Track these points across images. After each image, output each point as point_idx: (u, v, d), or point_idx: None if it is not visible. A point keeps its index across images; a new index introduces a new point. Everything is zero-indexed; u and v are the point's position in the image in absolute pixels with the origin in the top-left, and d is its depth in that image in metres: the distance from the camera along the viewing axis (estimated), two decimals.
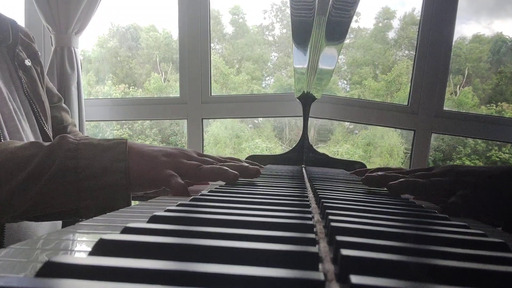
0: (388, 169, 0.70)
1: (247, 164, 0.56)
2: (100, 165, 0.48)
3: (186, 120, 1.73)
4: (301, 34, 0.79)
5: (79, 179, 0.47)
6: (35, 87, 0.75)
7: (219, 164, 0.55)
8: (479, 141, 2.35)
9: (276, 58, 3.00)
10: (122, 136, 2.78)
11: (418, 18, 1.63)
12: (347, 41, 2.61)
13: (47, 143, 0.50)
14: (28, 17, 1.73)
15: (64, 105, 0.88)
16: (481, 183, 0.46)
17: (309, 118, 1.10)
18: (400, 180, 0.49)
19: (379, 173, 0.54)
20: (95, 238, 0.19)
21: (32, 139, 0.69)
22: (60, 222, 0.76)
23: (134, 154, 0.51)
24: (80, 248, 0.23)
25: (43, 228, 0.69)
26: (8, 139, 0.62)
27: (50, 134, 0.75)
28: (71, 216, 0.49)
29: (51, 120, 0.80)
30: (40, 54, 0.81)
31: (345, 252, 0.17)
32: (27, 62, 0.75)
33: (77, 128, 0.93)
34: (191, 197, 0.36)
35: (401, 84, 2.67)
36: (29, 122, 0.71)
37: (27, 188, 0.46)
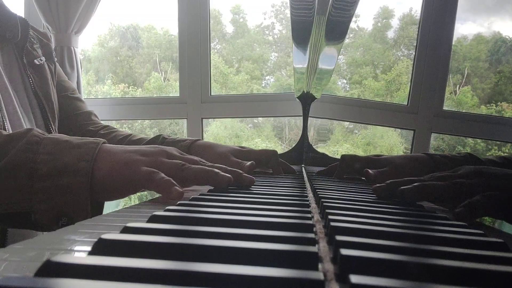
0: (376, 159, 0.68)
1: (241, 172, 0.48)
2: (60, 163, 0.42)
3: (186, 119, 1.73)
4: (301, 34, 0.79)
5: (33, 176, 0.41)
6: (44, 86, 0.74)
7: (208, 165, 0.48)
8: (479, 140, 2.35)
9: (276, 57, 3.00)
10: None
11: (416, 17, 1.63)
12: (346, 41, 2.60)
13: (8, 133, 0.44)
14: (28, 17, 1.73)
15: (77, 95, 0.86)
16: None
17: (309, 118, 1.10)
18: (415, 184, 0.42)
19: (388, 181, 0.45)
20: (94, 237, 0.19)
21: None
22: None
23: (104, 155, 0.45)
24: (79, 247, 0.23)
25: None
26: None
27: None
28: (23, 222, 0.42)
29: (63, 111, 0.80)
30: (55, 54, 0.81)
31: (344, 251, 0.17)
32: (37, 61, 0.74)
33: (98, 119, 0.87)
34: (191, 197, 0.36)
35: (401, 84, 2.66)
36: (36, 121, 0.70)
37: None
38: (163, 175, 0.43)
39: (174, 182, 0.42)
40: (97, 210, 0.48)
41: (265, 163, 0.72)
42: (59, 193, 0.41)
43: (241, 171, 0.48)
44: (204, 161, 0.50)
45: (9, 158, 0.41)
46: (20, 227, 0.45)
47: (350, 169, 0.70)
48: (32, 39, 0.75)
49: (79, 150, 0.43)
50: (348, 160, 0.70)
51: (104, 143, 0.46)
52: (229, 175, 0.45)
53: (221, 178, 0.44)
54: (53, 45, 0.81)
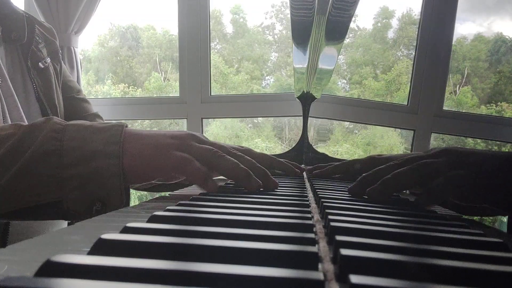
0: (377, 158, 0.66)
1: (269, 173, 0.46)
2: (89, 148, 0.41)
3: (186, 119, 1.73)
4: (301, 34, 0.79)
5: (62, 165, 0.40)
6: (48, 90, 0.71)
7: (238, 154, 0.46)
8: (479, 140, 2.35)
9: (276, 57, 3.00)
10: None
11: (416, 17, 1.63)
12: (346, 41, 2.61)
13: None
14: None
15: (83, 96, 0.84)
16: (486, 163, 0.39)
17: (309, 118, 1.10)
18: (378, 183, 0.40)
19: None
20: (94, 237, 0.19)
21: None
22: (62, 221, 0.76)
23: (131, 137, 0.43)
24: (79, 247, 0.23)
25: (45, 228, 0.69)
26: None
27: None
28: (54, 212, 0.42)
29: (69, 113, 0.78)
30: (61, 52, 0.78)
31: (344, 251, 0.17)
32: (41, 64, 0.71)
33: (103, 121, 0.85)
34: (191, 197, 0.36)
35: (401, 83, 2.67)
36: None
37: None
38: (198, 164, 0.41)
39: (208, 173, 0.41)
40: (126, 196, 0.46)
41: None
42: (92, 178, 0.40)
43: (269, 173, 0.45)
44: (235, 147, 0.47)
45: (35, 148, 0.40)
46: (51, 218, 0.44)
47: (351, 169, 0.69)
48: (37, 38, 0.72)
49: (105, 133, 0.42)
50: (349, 162, 0.68)
51: (126, 126, 0.45)
52: (260, 182, 0.43)
53: (253, 182, 0.43)
54: (58, 42, 0.78)
